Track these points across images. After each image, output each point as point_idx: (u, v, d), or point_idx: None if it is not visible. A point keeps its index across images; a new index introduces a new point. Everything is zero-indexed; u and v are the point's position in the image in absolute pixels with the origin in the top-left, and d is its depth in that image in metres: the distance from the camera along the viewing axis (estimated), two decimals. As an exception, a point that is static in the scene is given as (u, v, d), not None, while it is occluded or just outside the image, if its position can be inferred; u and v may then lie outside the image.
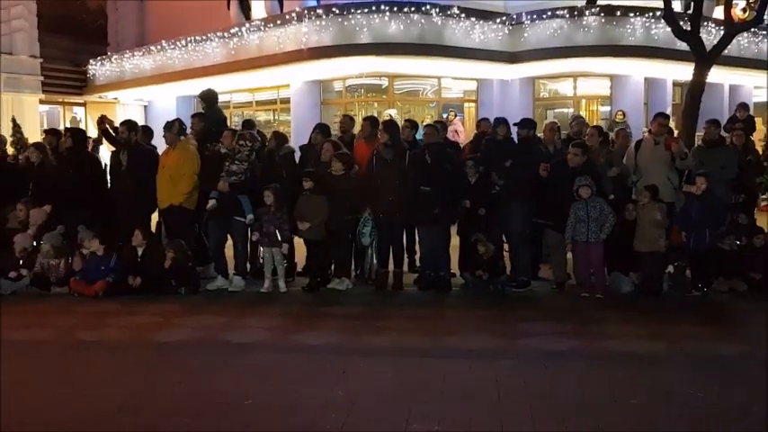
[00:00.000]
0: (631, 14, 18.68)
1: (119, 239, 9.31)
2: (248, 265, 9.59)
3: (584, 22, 18.73)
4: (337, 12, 18.10)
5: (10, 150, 14.10)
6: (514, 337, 6.94)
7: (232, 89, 22.34)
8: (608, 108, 20.87)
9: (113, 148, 10.07)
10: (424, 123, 11.55)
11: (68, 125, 23.36)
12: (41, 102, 24.03)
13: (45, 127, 22.02)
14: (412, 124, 10.24)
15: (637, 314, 7.86)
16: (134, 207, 9.37)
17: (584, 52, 18.74)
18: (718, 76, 19.15)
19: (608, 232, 8.49)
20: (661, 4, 14.75)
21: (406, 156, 8.99)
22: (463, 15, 18.68)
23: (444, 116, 19.11)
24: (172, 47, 22.20)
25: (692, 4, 14.57)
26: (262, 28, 19.83)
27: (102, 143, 11.36)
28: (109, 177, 9.91)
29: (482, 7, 19.51)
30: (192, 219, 9.52)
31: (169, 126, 9.48)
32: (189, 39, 21.61)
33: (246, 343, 6.82)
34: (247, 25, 20.60)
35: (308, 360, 6.26)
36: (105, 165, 10.15)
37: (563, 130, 11.49)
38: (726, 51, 14.52)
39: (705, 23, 16.74)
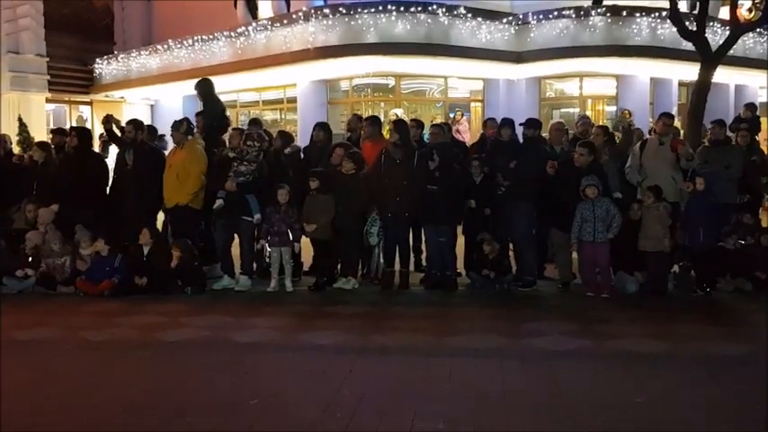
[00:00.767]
0: (637, 15, 18.62)
1: (123, 239, 9.33)
2: (254, 265, 9.60)
3: (591, 23, 18.69)
4: (344, 11, 18.08)
5: (16, 149, 14.10)
6: (520, 337, 6.96)
7: (239, 88, 22.38)
8: (614, 108, 20.84)
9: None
10: (431, 123, 11.57)
11: (75, 124, 23.45)
12: (48, 101, 24.02)
13: (51, 126, 22.17)
14: (418, 124, 10.28)
15: (642, 314, 7.88)
16: (139, 206, 9.39)
17: (590, 52, 18.69)
18: (724, 76, 19.10)
19: (615, 232, 8.52)
20: (667, 5, 14.72)
21: (415, 156, 9.01)
22: (470, 15, 18.66)
23: (451, 116, 19.13)
24: (178, 46, 22.21)
25: (698, 4, 14.52)
26: (268, 27, 19.82)
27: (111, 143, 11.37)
28: (114, 176, 9.92)
29: (488, 7, 19.46)
30: (200, 218, 9.54)
31: (177, 125, 9.48)
32: (195, 38, 21.60)
33: (253, 342, 6.85)
34: (254, 25, 20.59)
35: (314, 359, 6.27)
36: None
37: (569, 130, 11.47)
38: (731, 51, 14.52)
39: (711, 24, 16.71)
